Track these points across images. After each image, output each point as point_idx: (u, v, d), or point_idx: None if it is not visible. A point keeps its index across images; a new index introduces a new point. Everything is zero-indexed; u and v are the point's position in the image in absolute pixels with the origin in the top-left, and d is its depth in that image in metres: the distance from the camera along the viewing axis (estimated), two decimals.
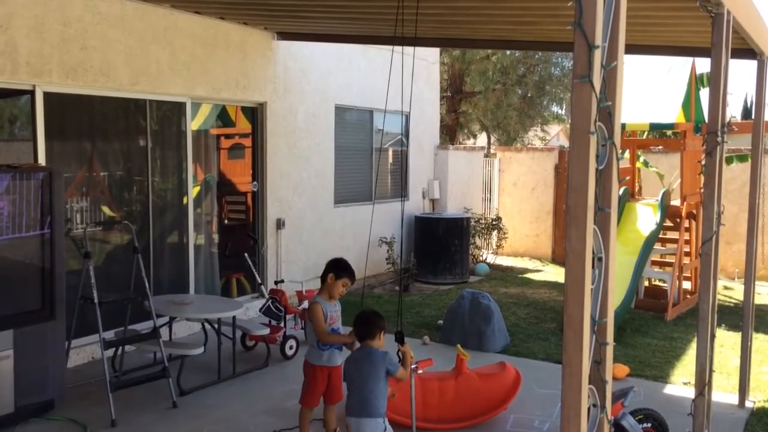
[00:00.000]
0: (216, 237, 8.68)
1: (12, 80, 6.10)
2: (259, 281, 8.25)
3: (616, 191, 2.48)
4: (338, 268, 4.90)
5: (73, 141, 7.02)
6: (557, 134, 33.37)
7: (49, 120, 6.45)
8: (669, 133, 11.35)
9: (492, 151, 16.72)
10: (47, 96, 6.43)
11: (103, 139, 7.29)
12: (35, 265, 5.42)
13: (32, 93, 6.31)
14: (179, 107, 7.84)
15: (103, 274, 6.68)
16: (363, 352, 4.31)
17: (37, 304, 5.43)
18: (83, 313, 5.96)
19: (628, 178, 10.15)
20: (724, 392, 6.28)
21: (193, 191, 8.12)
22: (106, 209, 7.36)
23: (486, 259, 12.84)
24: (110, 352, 6.26)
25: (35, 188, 5.36)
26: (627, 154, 10.33)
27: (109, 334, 6.13)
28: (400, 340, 4.53)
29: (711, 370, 4.76)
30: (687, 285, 10.07)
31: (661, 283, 10.28)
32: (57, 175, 5.52)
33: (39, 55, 6.24)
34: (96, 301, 5.50)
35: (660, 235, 9.76)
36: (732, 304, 9.97)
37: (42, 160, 6.36)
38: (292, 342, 7.06)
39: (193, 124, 8.07)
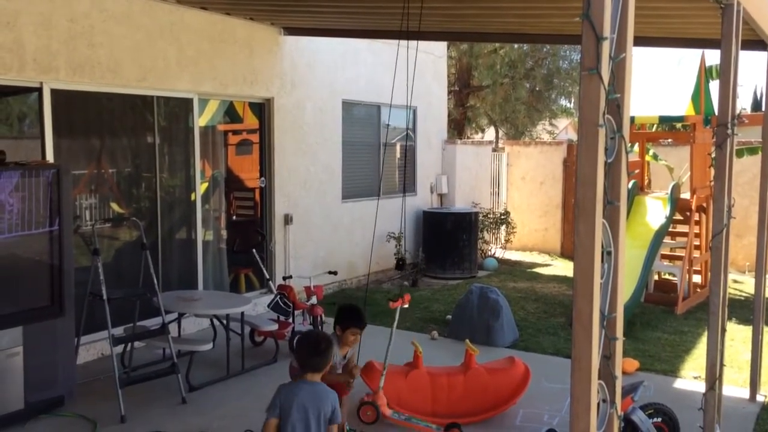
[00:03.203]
0: (224, 233, 8.69)
1: (19, 77, 6.11)
2: (267, 277, 8.25)
3: (625, 184, 2.46)
4: (343, 318, 4.82)
5: (81, 138, 7.04)
6: (566, 128, 33.28)
7: (56, 117, 6.46)
8: (678, 125, 11.27)
9: (500, 145, 16.67)
10: (55, 93, 6.44)
11: (111, 136, 7.30)
12: (44, 262, 5.44)
13: (40, 90, 6.32)
14: (186, 103, 7.84)
15: (112, 270, 6.70)
16: (310, 390, 3.56)
17: (46, 300, 5.44)
18: (92, 309, 5.98)
19: (637, 171, 10.09)
20: (735, 386, 6.24)
21: (201, 187, 8.12)
22: (114, 206, 7.37)
23: (494, 253, 12.82)
24: (119, 348, 6.28)
25: (44, 185, 5.37)
26: (636, 148, 10.28)
27: (118, 331, 6.15)
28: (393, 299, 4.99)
29: (722, 365, 4.73)
30: (697, 279, 10.01)
31: (670, 277, 10.23)
32: (65, 172, 5.53)
33: (46, 52, 6.25)
34: (105, 297, 5.51)
35: (670, 229, 9.71)
36: (743, 298, 9.91)
37: (50, 157, 6.37)
38: None
39: (201, 120, 8.07)
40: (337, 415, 3.58)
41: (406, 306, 5.49)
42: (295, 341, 3.96)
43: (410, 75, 5.69)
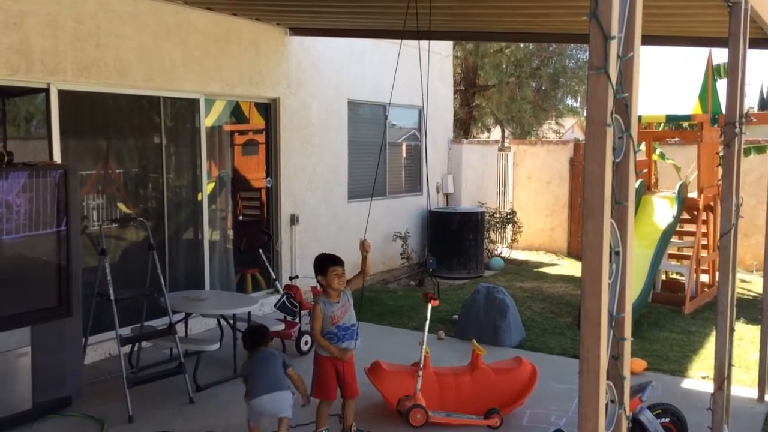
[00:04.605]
0: (230, 233, 8.70)
1: (27, 78, 6.13)
2: (274, 277, 8.26)
3: (633, 184, 2.45)
4: (319, 266, 4.92)
5: (88, 139, 7.06)
6: (572, 127, 33.17)
7: (63, 118, 6.48)
8: (685, 124, 11.23)
9: (506, 144, 16.65)
10: (62, 94, 6.46)
11: (117, 137, 7.32)
12: (52, 262, 5.45)
13: (47, 91, 6.34)
14: (193, 104, 7.85)
15: (119, 270, 6.71)
16: (265, 354, 4.86)
17: (54, 301, 5.46)
18: (100, 309, 6.00)
19: (645, 170, 10.06)
20: (743, 386, 6.22)
21: (208, 188, 8.14)
22: (121, 206, 7.39)
23: (501, 253, 12.79)
24: (127, 348, 6.29)
25: (51, 186, 5.39)
26: (643, 147, 10.25)
27: (126, 331, 6.17)
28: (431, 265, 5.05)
29: (730, 364, 4.72)
30: (704, 278, 9.97)
31: (678, 277, 10.20)
32: (72, 172, 5.55)
33: (53, 53, 6.27)
34: (112, 297, 5.52)
35: (677, 228, 9.67)
36: (750, 297, 9.87)
37: (57, 158, 6.39)
38: (307, 337, 7.06)
39: (207, 121, 8.08)
40: (288, 362, 4.83)
41: (436, 305, 5.55)
42: (242, 338, 5.05)
43: (418, 75, 5.70)
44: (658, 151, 11.17)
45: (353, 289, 4.97)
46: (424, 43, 5.55)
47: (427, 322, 5.49)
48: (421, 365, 5.35)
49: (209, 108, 8.13)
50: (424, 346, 5.41)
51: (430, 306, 5.44)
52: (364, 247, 4.91)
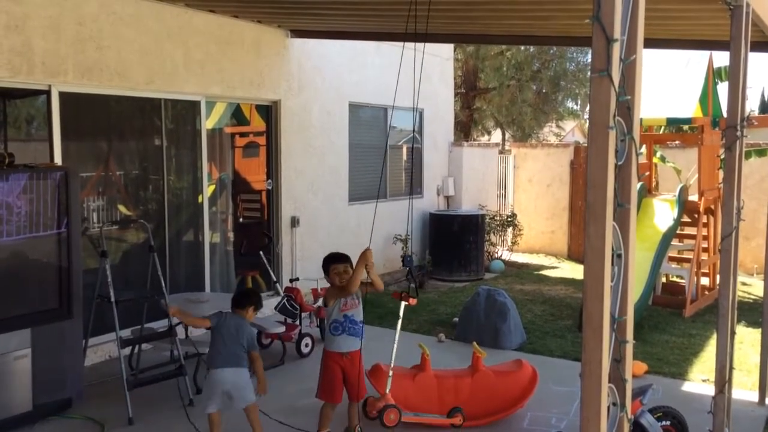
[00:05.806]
0: (231, 235, 8.70)
1: (28, 80, 6.13)
2: (275, 279, 8.25)
3: (635, 187, 2.45)
4: (324, 266, 5.02)
5: (89, 140, 7.06)
6: (572, 130, 33.22)
7: (64, 120, 6.48)
8: (686, 127, 11.24)
9: (507, 147, 16.65)
10: (63, 96, 6.46)
11: (118, 139, 7.33)
12: (52, 264, 5.45)
13: (48, 93, 6.35)
14: (194, 106, 7.85)
15: (120, 272, 6.71)
16: (236, 323, 4.88)
17: (55, 303, 5.46)
18: (100, 311, 5.99)
19: (647, 173, 10.06)
20: (744, 390, 6.21)
21: (209, 190, 8.14)
22: (122, 208, 7.39)
23: (501, 255, 12.79)
24: (127, 350, 6.28)
25: (52, 188, 5.39)
26: (644, 150, 10.25)
27: (126, 333, 6.16)
28: (409, 263, 5.43)
29: (731, 368, 4.71)
30: (705, 281, 9.97)
31: (678, 280, 10.20)
32: (73, 174, 5.55)
33: (55, 55, 6.27)
34: (113, 299, 5.52)
35: (678, 231, 9.67)
36: (751, 300, 9.86)
37: (58, 159, 6.39)
38: (307, 340, 7.06)
39: (208, 123, 8.08)
40: (254, 345, 4.91)
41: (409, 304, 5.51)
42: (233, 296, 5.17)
43: (416, 77, 5.70)
44: (658, 154, 11.17)
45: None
46: (420, 45, 5.56)
47: (400, 321, 5.44)
48: (392, 365, 5.30)
49: (210, 110, 8.14)
50: (395, 347, 5.35)
51: (403, 304, 5.40)
52: (367, 265, 4.79)
